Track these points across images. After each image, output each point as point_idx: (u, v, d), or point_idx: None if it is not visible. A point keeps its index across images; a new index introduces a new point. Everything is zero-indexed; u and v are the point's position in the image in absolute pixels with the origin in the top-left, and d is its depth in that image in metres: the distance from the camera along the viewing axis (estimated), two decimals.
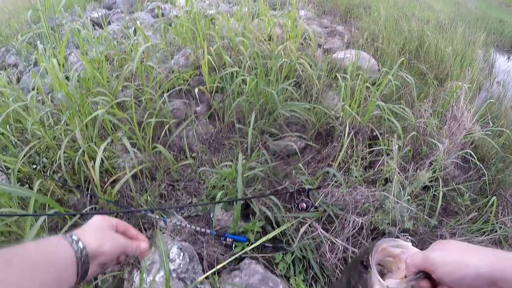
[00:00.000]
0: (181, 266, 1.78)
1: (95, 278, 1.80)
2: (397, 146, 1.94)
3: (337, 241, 1.83)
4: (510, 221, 2.31)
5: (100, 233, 0.65)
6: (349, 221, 1.87)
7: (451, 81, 3.21)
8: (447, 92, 2.81)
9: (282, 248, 2.03)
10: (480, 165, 2.40)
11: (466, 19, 5.43)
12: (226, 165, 2.37)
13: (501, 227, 2.25)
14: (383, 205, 1.87)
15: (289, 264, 1.97)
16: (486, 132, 2.69)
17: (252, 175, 2.27)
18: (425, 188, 2.18)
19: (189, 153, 2.53)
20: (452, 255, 0.55)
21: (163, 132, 2.53)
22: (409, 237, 1.82)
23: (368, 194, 1.90)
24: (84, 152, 2.06)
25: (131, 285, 1.75)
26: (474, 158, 2.38)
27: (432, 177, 2.10)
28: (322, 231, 1.90)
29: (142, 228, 2.06)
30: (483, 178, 2.52)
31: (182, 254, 1.83)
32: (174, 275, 1.74)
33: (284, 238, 2.04)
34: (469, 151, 2.40)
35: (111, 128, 2.45)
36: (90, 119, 2.22)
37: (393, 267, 0.65)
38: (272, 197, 2.11)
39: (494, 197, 2.22)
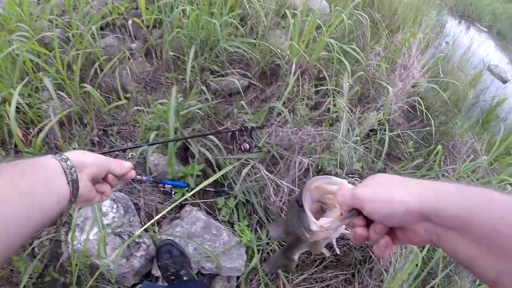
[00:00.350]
0: (116, 219, 1.59)
1: (31, 244, 1.60)
2: (348, 84, 1.78)
3: (282, 183, 1.67)
4: (452, 170, 2.32)
5: (79, 151, 0.63)
6: (295, 162, 1.71)
7: (403, 32, 3.12)
8: (399, 41, 2.71)
9: (224, 192, 1.87)
10: (427, 113, 2.36)
11: None
12: (162, 104, 2.10)
13: (443, 174, 2.26)
14: (331, 146, 1.73)
15: (232, 209, 1.84)
16: (434, 84, 2.66)
17: (190, 114, 2.03)
18: (371, 132, 2.10)
19: (123, 94, 2.22)
20: (379, 190, 0.51)
21: (93, 71, 2.20)
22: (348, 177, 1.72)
23: (314, 133, 1.74)
24: (5, 102, 1.81)
25: (68, 247, 1.52)
26: (422, 106, 2.33)
27: (380, 119, 2.00)
28: (266, 173, 1.73)
29: None
30: (427, 128, 2.50)
31: (115, 206, 1.63)
32: (108, 230, 1.54)
33: (226, 182, 1.87)
34: (417, 98, 2.35)
35: (34, 70, 2.07)
36: (6, 61, 1.90)
37: (333, 205, 0.63)
38: (213, 137, 1.89)
39: (440, 146, 2.20)
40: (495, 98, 3.89)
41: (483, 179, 2.42)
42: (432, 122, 2.43)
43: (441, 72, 2.80)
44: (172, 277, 1.52)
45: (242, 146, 1.82)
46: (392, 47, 2.57)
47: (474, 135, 2.93)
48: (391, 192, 0.49)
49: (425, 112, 2.42)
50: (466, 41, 4.43)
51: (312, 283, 1.75)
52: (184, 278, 1.51)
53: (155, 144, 1.87)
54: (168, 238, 1.66)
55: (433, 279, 1.66)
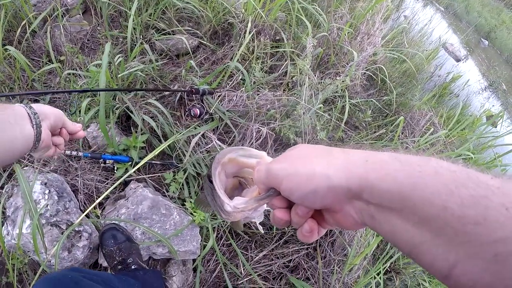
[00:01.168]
0: (49, 207, 1.31)
1: None
2: (311, 44, 1.60)
3: None
4: (411, 142, 2.28)
5: (39, 104, 0.66)
6: (251, 130, 1.53)
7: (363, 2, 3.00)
8: (364, 6, 2.57)
9: (172, 165, 1.64)
10: (388, 81, 2.26)
11: None
12: (98, 66, 1.80)
13: (402, 145, 2.21)
14: (293, 112, 1.55)
15: (182, 184, 1.62)
16: (394, 54, 2.58)
17: (132, 77, 1.76)
18: (328, 101, 1.96)
19: (56, 58, 1.89)
20: (297, 165, 0.41)
21: (20, 31, 1.84)
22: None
23: (273, 98, 1.56)
24: None
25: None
26: (384, 75, 2.23)
27: (341, 86, 1.85)
28: (218, 142, 1.53)
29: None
30: (385, 98, 2.42)
31: (47, 192, 1.34)
32: (43, 221, 1.26)
33: (174, 154, 1.64)
34: (378, 66, 2.24)
35: None
36: None
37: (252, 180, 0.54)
38: (157, 103, 1.65)
39: (402, 117, 2.13)
40: (450, 74, 3.96)
41: (443, 153, 2.41)
42: (392, 91, 2.35)
43: (405, 42, 2.72)
44: (119, 266, 1.28)
45: (191, 111, 1.60)
46: (356, 12, 2.42)
47: (431, 108, 2.94)
48: (312, 165, 0.39)
49: (386, 81, 2.34)
50: (424, 18, 4.45)
51: (273, 260, 1.60)
52: (133, 267, 1.28)
53: (84, 91, 1.56)
54: (112, 222, 1.42)
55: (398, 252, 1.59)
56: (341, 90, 1.96)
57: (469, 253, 0.28)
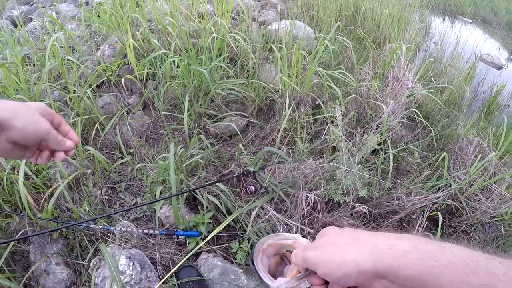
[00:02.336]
0: (133, 277, 1.60)
1: None
2: (340, 112, 1.81)
3: (290, 222, 1.68)
4: (462, 174, 2.30)
5: (21, 110, 0.58)
6: (301, 198, 1.73)
7: (390, 44, 3.16)
8: (387, 54, 2.74)
9: (237, 235, 1.89)
10: (426, 122, 2.36)
11: None
12: (164, 158, 2.14)
13: (454, 181, 2.23)
14: (334, 176, 1.74)
15: (248, 251, 1.85)
16: (429, 90, 2.67)
17: (193, 163, 2.07)
18: (374, 152, 2.10)
19: (126, 150, 2.28)
20: (330, 252, 0.49)
21: (94, 131, 2.26)
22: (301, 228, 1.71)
23: (316, 166, 1.76)
24: (14, 170, 1.86)
25: None
26: (420, 116, 2.33)
27: (380, 140, 2.00)
28: (275, 213, 1.74)
29: (87, 243, 1.84)
30: (430, 135, 2.49)
31: (132, 264, 1.65)
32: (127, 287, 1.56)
33: (237, 225, 1.89)
34: (414, 109, 2.35)
35: None
36: None
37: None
38: (219, 184, 1.92)
39: (445, 153, 2.19)
40: (493, 87, 3.86)
41: (496, 177, 2.38)
42: (432, 129, 2.42)
43: (432, 78, 2.80)
44: None
45: (247, 189, 1.84)
46: (381, 63, 2.59)
47: (479, 131, 2.91)
48: (343, 253, 0.47)
49: (429, 118, 2.42)
50: (453, 37, 4.42)
51: None
52: None
53: (159, 200, 1.89)
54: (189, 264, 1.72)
55: None
56: (383, 141, 2.10)
57: None
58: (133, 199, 2.17)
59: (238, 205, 1.89)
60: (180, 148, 2.07)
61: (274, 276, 0.61)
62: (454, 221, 2.34)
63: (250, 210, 1.84)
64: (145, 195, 2.14)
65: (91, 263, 1.69)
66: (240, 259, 1.84)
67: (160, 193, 1.93)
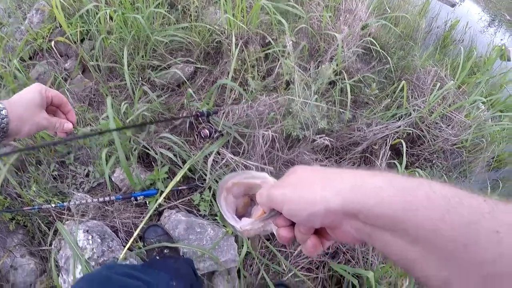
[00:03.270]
0: (95, 250, 1.47)
1: None
2: (290, 42, 1.67)
3: (249, 163, 1.57)
4: (422, 103, 2.27)
5: (26, 113, 0.65)
6: (258, 137, 1.61)
7: None
8: None
9: (197, 186, 1.77)
10: (382, 52, 2.28)
11: None
12: (107, 117, 1.95)
13: (414, 109, 2.20)
14: (290, 109, 1.63)
15: (211, 201, 1.74)
16: (383, 21, 2.58)
17: (140, 118, 1.89)
18: (331, 84, 2.00)
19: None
20: (297, 190, 0.44)
21: None
22: (267, 168, 1.62)
23: (270, 102, 1.64)
24: None
25: None
26: (376, 45, 2.24)
27: (335, 71, 1.90)
28: (232, 156, 1.62)
29: (45, 226, 1.71)
30: (386, 66, 2.43)
31: (91, 237, 1.51)
32: (92, 263, 1.43)
33: (196, 175, 1.76)
34: (369, 39, 2.26)
35: None
36: None
37: None
38: (170, 135, 1.77)
39: (404, 81, 2.13)
40: (447, 22, 3.86)
41: (455, 104, 2.38)
42: (390, 59, 2.36)
43: (387, 8, 2.71)
44: (157, 257, 1.46)
45: (201, 133, 1.71)
46: None
47: (435, 63, 2.90)
48: (310, 190, 0.42)
49: (381, 52, 2.35)
50: None
51: None
52: (167, 255, 1.47)
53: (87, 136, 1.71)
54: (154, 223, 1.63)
55: None
56: (338, 73, 2.00)
57: (460, 272, 0.31)
58: (85, 169, 1.98)
59: (193, 155, 1.76)
60: (124, 104, 1.89)
61: (243, 218, 0.58)
62: (416, 150, 2.33)
63: (207, 157, 1.71)
64: (96, 161, 1.95)
65: (53, 246, 1.56)
66: (204, 210, 1.74)
67: (109, 156, 1.76)
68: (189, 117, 1.65)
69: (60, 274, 1.44)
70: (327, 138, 1.58)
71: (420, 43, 3.18)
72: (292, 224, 0.48)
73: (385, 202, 0.36)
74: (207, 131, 1.68)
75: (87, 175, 1.97)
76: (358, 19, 2.42)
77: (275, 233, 0.53)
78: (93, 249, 1.47)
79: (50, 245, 1.60)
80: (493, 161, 2.77)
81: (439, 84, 2.38)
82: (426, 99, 2.32)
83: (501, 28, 4.73)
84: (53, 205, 1.58)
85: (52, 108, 0.75)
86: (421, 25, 3.32)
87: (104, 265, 1.37)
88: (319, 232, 0.47)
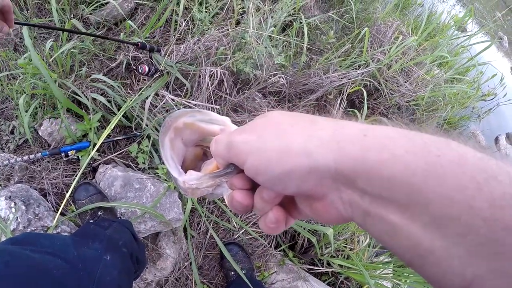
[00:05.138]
0: (19, 220, 1.24)
1: None
2: None
3: (192, 104, 1.38)
4: (381, 54, 2.18)
5: None
6: (204, 75, 1.42)
7: None
8: None
9: (135, 136, 1.56)
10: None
11: None
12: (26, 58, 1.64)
13: (373, 59, 2.11)
14: (244, 41, 1.44)
15: (150, 152, 1.54)
16: None
17: (69, 58, 1.61)
18: (286, 28, 1.84)
19: None
20: (265, 136, 0.30)
21: None
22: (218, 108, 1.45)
23: (220, 35, 1.44)
24: None
25: None
26: None
27: (292, 13, 1.73)
28: (172, 97, 1.43)
29: None
30: (345, 16, 2.30)
31: (13, 205, 1.26)
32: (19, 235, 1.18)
33: (133, 123, 1.54)
34: None
35: None
36: None
37: None
38: (105, 78, 1.53)
39: (366, 28, 2.02)
40: None
41: (416, 59, 2.33)
42: (353, 5, 2.22)
43: None
44: (91, 220, 1.25)
45: (139, 68, 1.49)
46: None
47: (397, 18, 2.82)
48: (287, 138, 0.29)
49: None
50: None
51: None
52: (102, 218, 1.25)
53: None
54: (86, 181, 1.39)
55: None
56: (296, 12, 1.83)
57: (494, 268, 0.21)
58: (9, 125, 1.69)
59: (130, 100, 1.53)
60: (50, 43, 1.59)
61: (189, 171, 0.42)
62: (371, 103, 2.27)
63: (145, 102, 1.50)
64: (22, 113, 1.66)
65: None
66: (143, 163, 1.54)
67: (33, 107, 1.50)
68: (128, 42, 1.41)
69: None
70: (282, 75, 1.42)
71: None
72: (252, 188, 0.34)
73: (399, 160, 0.24)
74: (146, 67, 1.46)
75: (12, 132, 1.69)
76: None
77: (226, 198, 0.39)
78: (17, 218, 1.24)
79: None
80: (444, 123, 2.80)
81: (400, 37, 2.30)
82: (386, 50, 2.24)
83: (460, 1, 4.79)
84: None
85: None
86: None
87: (22, 234, 1.07)
88: (285, 204, 0.34)
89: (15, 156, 1.46)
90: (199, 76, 1.45)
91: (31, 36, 1.45)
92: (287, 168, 0.28)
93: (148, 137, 1.53)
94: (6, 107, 1.75)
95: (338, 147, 0.26)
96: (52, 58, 1.58)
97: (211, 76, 1.42)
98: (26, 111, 1.46)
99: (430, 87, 2.23)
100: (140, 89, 1.53)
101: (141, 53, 1.52)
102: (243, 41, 1.39)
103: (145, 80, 1.57)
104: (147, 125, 1.47)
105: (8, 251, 0.66)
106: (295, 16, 1.80)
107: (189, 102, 1.36)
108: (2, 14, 0.81)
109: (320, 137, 0.28)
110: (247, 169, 0.31)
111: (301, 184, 0.28)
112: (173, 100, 1.39)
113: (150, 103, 1.44)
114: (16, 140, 1.64)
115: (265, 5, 1.53)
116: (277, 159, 0.28)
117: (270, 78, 1.43)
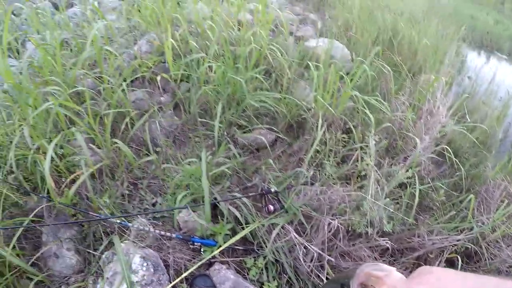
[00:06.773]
0: (145, 277, 1.61)
1: None
2: (374, 142, 1.79)
3: (310, 247, 1.67)
4: (487, 219, 2.24)
5: None
6: (324, 224, 1.71)
7: (425, 74, 3.12)
8: (423, 85, 2.70)
9: (253, 251, 1.88)
10: (455, 160, 2.31)
11: (438, 13, 5.41)
12: (191, 162, 2.15)
13: (477, 224, 2.19)
14: (360, 207, 1.72)
15: (262, 269, 1.83)
16: (461, 127, 2.62)
17: (219, 171, 2.08)
18: (400, 185, 2.07)
19: (153, 148, 2.29)
20: None
21: (124, 125, 2.28)
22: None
23: (343, 194, 1.75)
24: (39, 150, 1.86)
25: None
26: (450, 154, 2.29)
27: (410, 175, 1.98)
28: (295, 235, 1.73)
29: (102, 234, 1.87)
30: (457, 173, 2.44)
31: (146, 264, 1.66)
32: (138, 287, 1.57)
33: (255, 241, 1.88)
34: (445, 146, 2.31)
35: (67, 122, 2.16)
36: (41, 112, 1.95)
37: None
38: (242, 197, 1.93)
39: (472, 195, 2.14)
40: None
41: None
42: (462, 167, 2.37)
43: (467, 114, 2.75)
44: None
45: (266, 208, 1.84)
46: (416, 94, 2.56)
47: (507, 175, 2.83)
48: None
49: (457, 156, 2.36)
50: (488, 73, 4.29)
51: None
52: None
53: (182, 208, 1.90)
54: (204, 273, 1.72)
55: None
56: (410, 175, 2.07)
57: None
58: (153, 198, 2.18)
59: (258, 221, 1.89)
60: (208, 155, 2.08)
61: None
62: (471, 266, 2.28)
63: (271, 227, 1.83)
64: (166, 196, 2.14)
65: (103, 256, 1.71)
66: (253, 275, 1.82)
67: (182, 198, 1.94)
68: (255, 194, 1.80)
69: (104, 283, 1.57)
70: (389, 242, 1.65)
71: (494, 151, 3.13)
72: None
73: None
74: (272, 207, 1.81)
75: (154, 205, 2.16)
76: (438, 122, 2.49)
77: None
78: (144, 275, 1.61)
79: (101, 253, 1.75)
80: None
81: (506, 201, 2.34)
82: (491, 215, 2.29)
83: None
84: (118, 221, 1.75)
85: None
86: (497, 132, 3.29)
87: None
88: None
89: (152, 226, 1.87)
90: (319, 221, 1.75)
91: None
92: None
93: (265, 256, 1.83)
94: (154, 183, 2.23)
95: None
96: (211, 173, 2.03)
97: (329, 225, 1.70)
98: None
99: None
100: (267, 218, 1.88)
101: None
102: (361, 206, 1.67)
103: None
104: (269, 248, 1.77)
105: None
106: (409, 179, 2.03)
107: (308, 244, 1.65)
108: None
109: None
110: None
111: None
112: (295, 237, 1.69)
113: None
114: (155, 213, 2.06)
115: (381, 174, 1.82)
116: None
117: (377, 240, 1.66)
